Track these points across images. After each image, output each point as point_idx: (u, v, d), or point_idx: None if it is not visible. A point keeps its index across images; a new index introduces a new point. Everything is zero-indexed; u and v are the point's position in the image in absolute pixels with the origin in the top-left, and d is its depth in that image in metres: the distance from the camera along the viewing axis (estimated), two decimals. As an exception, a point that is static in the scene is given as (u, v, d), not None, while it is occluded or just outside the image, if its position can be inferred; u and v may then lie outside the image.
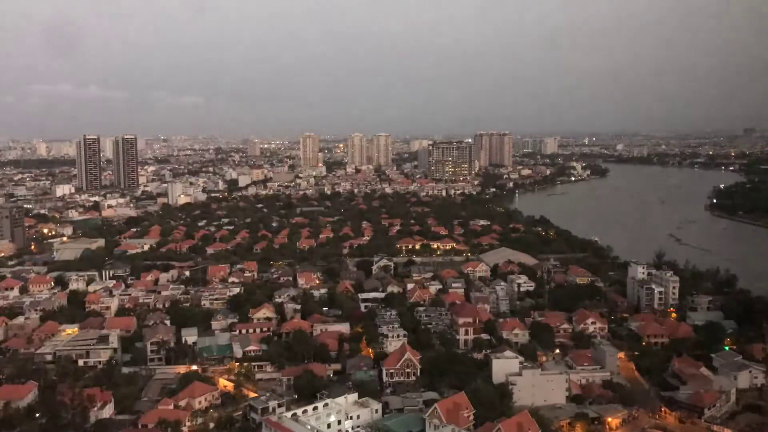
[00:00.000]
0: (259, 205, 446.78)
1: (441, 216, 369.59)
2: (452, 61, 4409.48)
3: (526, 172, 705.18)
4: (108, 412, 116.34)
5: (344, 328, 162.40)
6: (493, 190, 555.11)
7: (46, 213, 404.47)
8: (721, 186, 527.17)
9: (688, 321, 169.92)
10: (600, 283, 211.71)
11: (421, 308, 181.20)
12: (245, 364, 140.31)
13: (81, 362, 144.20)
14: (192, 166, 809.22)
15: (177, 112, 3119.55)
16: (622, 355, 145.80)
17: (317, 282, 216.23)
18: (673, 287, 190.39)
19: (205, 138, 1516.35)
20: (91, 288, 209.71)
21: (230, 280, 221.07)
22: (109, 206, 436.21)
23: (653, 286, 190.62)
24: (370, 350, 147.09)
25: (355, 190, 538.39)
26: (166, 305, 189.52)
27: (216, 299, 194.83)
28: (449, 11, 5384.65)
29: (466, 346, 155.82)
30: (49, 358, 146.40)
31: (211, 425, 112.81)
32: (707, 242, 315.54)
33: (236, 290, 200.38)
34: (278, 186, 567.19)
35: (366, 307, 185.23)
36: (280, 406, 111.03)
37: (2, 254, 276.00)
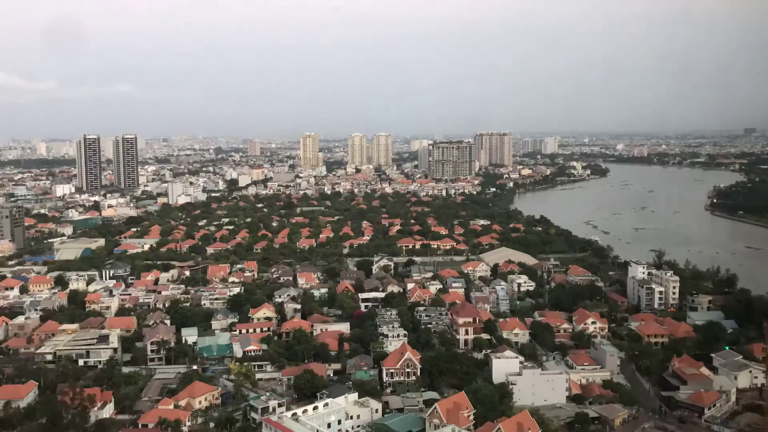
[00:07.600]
0: (259, 205, 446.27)
1: (441, 216, 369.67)
2: (453, 60, 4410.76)
3: (526, 172, 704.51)
4: (108, 412, 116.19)
5: (344, 328, 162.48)
6: (493, 190, 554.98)
7: (46, 213, 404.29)
8: (722, 186, 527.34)
9: (688, 321, 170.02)
10: (600, 283, 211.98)
11: (421, 308, 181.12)
12: (245, 364, 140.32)
13: (81, 362, 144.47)
14: (192, 166, 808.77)
15: (177, 112, 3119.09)
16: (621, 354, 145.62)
17: (317, 282, 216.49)
18: (673, 287, 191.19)
19: (205, 138, 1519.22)
20: (91, 288, 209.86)
21: (230, 279, 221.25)
22: (109, 206, 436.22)
23: (653, 286, 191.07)
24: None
25: (355, 190, 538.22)
26: (166, 305, 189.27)
27: (216, 299, 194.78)
28: (449, 10, 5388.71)
29: (466, 346, 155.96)
30: (49, 358, 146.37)
31: (211, 425, 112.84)
32: (618, 228, 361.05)
33: (236, 290, 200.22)
34: (278, 186, 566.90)
35: (366, 307, 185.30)
36: (280, 406, 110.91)
37: (2, 254, 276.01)
